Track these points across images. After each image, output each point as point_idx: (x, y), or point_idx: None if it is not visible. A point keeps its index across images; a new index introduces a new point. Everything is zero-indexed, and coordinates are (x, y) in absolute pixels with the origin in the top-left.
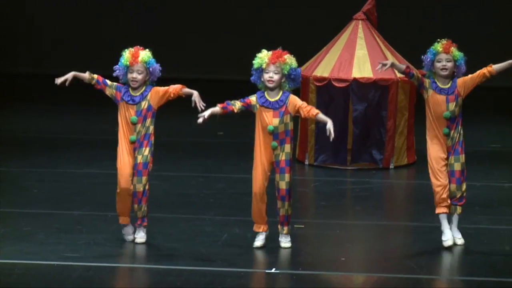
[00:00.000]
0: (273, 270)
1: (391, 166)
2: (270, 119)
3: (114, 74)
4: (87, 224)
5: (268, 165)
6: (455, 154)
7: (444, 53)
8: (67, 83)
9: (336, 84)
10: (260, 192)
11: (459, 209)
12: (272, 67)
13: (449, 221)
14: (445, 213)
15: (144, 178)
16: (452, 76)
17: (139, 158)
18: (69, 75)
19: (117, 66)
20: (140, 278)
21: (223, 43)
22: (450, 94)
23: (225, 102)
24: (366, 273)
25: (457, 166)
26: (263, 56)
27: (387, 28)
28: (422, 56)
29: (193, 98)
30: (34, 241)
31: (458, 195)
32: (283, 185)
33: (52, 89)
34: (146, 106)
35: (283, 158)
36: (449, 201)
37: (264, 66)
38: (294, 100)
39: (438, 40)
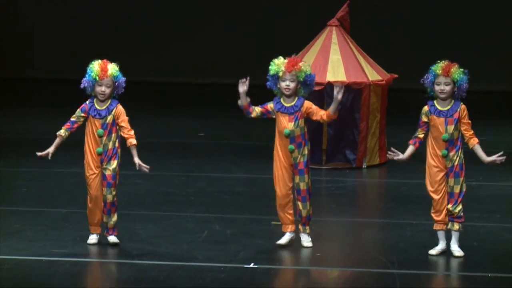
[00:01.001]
0: (251, 265)
1: (364, 166)
2: (286, 123)
3: (81, 86)
4: (73, 221)
5: (288, 167)
6: (455, 177)
7: (443, 76)
8: (49, 157)
9: None
10: (284, 193)
11: (456, 226)
12: (288, 76)
13: (448, 237)
14: (442, 229)
15: (113, 189)
16: (453, 97)
17: (108, 171)
18: (50, 151)
19: (84, 79)
20: (125, 273)
21: (203, 45)
22: (449, 117)
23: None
24: (340, 268)
25: (457, 189)
26: (280, 64)
27: (359, 33)
28: (421, 80)
29: (136, 161)
30: (23, 237)
31: (456, 214)
32: (303, 185)
33: (38, 93)
34: (111, 121)
35: (302, 160)
36: (446, 219)
37: (280, 74)
38: (308, 105)
39: (439, 61)
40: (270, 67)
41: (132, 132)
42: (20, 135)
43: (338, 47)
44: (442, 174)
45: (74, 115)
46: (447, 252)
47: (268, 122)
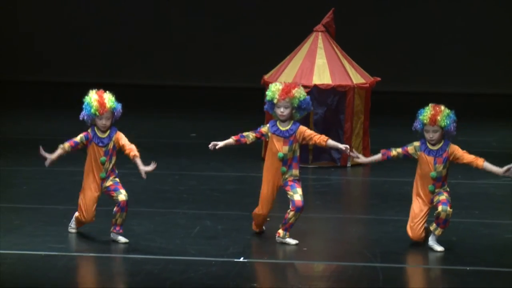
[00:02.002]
0: (241, 259)
1: (348, 165)
2: (280, 147)
3: (80, 118)
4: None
5: (276, 189)
6: (438, 194)
7: (430, 125)
8: (47, 164)
9: None
10: (265, 213)
11: (439, 231)
12: (282, 102)
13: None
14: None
15: (122, 190)
16: (443, 138)
17: (110, 182)
18: (50, 158)
19: (83, 112)
20: (120, 266)
21: (195, 50)
22: (439, 156)
23: (239, 134)
24: (326, 262)
25: (442, 197)
26: (275, 91)
27: (344, 38)
28: (412, 128)
29: (141, 169)
30: (23, 233)
31: (443, 216)
32: (298, 197)
33: (36, 95)
34: (112, 146)
35: (291, 178)
36: (422, 235)
37: (275, 101)
38: (303, 131)
39: (426, 107)
40: (267, 92)
41: (133, 146)
42: (20, 136)
43: (324, 51)
44: (423, 212)
45: (78, 138)
46: (427, 247)
47: (258, 123)
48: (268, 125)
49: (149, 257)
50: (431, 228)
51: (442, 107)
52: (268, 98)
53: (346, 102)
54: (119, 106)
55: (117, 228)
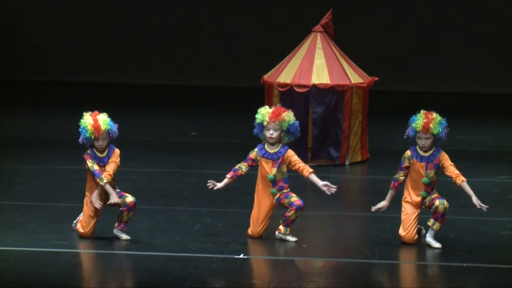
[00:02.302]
0: (241, 256)
1: (347, 163)
2: (269, 169)
3: (80, 142)
4: (73, 215)
5: (268, 210)
6: (428, 195)
7: (423, 132)
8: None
9: (297, 90)
10: (255, 234)
11: (437, 225)
12: (272, 125)
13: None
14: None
15: (129, 194)
16: (434, 145)
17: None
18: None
19: (81, 137)
20: (122, 263)
21: (197, 52)
22: (430, 162)
23: (232, 170)
24: (324, 258)
25: (434, 195)
26: (265, 114)
27: (342, 38)
28: (405, 136)
29: (111, 201)
30: (26, 230)
31: (441, 210)
32: (295, 198)
33: (40, 95)
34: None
35: (281, 193)
36: (416, 237)
37: (265, 124)
38: (291, 155)
39: (418, 114)
40: (256, 116)
41: (111, 170)
42: (22, 135)
43: (322, 51)
44: (415, 215)
45: (95, 166)
46: (424, 244)
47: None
48: (256, 149)
49: (151, 253)
50: (429, 223)
51: (434, 114)
52: (257, 121)
53: (344, 101)
54: (114, 127)
55: (122, 225)
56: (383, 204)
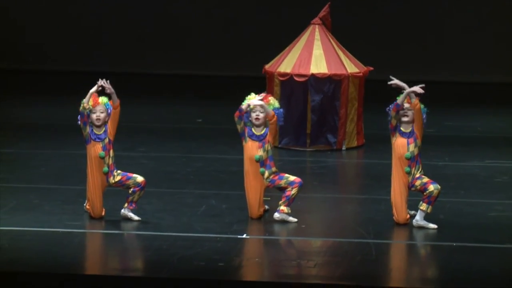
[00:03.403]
0: (244, 236)
1: (344, 148)
2: (255, 150)
3: (79, 122)
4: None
5: (261, 191)
6: (418, 179)
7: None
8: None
9: (297, 79)
10: (257, 216)
11: (430, 209)
12: (258, 107)
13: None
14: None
15: (133, 176)
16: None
17: (118, 176)
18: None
19: (80, 117)
20: (132, 242)
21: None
22: (410, 137)
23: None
24: (323, 238)
25: (425, 179)
26: (251, 98)
27: (339, 30)
28: (387, 109)
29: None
30: (41, 211)
31: (436, 194)
32: (292, 177)
33: (53, 84)
34: (107, 141)
35: (272, 175)
36: (408, 216)
37: (252, 106)
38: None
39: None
40: (243, 102)
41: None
42: (39, 121)
43: (321, 43)
44: (405, 196)
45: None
46: (417, 225)
47: None
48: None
49: (159, 233)
50: (422, 208)
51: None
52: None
53: (341, 89)
54: (110, 106)
55: (133, 205)
56: (403, 84)
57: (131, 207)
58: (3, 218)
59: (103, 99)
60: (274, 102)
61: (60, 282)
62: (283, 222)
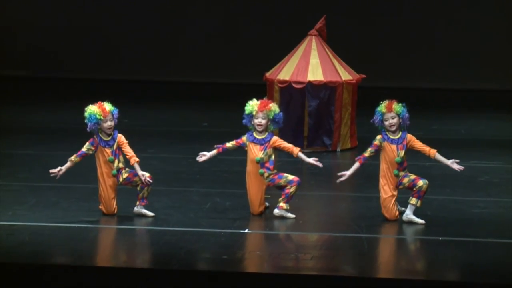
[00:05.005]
0: (246, 231)
1: (338, 149)
2: (257, 152)
3: (88, 130)
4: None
5: (261, 191)
6: (405, 177)
7: (388, 112)
8: (58, 176)
9: (295, 86)
10: (258, 213)
11: (420, 203)
12: (260, 114)
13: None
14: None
15: (142, 172)
16: (400, 128)
17: (126, 174)
18: (61, 171)
19: (90, 124)
20: (142, 237)
21: (206, 52)
22: (399, 144)
23: (221, 146)
24: (318, 233)
25: (412, 176)
26: (253, 105)
27: (334, 41)
28: (372, 120)
29: (140, 173)
30: (59, 208)
31: (425, 188)
32: (291, 176)
33: (70, 91)
34: (116, 147)
35: (271, 175)
36: (397, 213)
37: (254, 113)
38: (276, 140)
39: (381, 102)
40: (245, 108)
41: (132, 151)
42: (57, 125)
43: (317, 52)
44: (393, 194)
45: (84, 148)
46: (406, 221)
47: None
48: (246, 135)
49: (167, 228)
50: (412, 202)
51: (395, 101)
52: (247, 112)
53: (336, 95)
54: (116, 111)
55: (145, 201)
56: (345, 173)
57: (143, 203)
58: (24, 215)
59: (110, 107)
60: (274, 108)
61: (77, 273)
62: (282, 218)
